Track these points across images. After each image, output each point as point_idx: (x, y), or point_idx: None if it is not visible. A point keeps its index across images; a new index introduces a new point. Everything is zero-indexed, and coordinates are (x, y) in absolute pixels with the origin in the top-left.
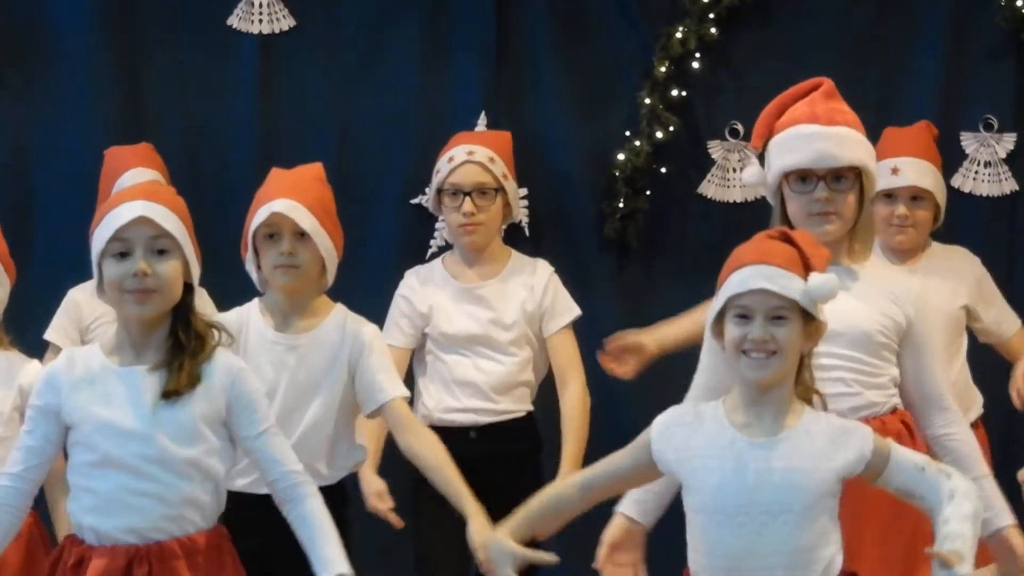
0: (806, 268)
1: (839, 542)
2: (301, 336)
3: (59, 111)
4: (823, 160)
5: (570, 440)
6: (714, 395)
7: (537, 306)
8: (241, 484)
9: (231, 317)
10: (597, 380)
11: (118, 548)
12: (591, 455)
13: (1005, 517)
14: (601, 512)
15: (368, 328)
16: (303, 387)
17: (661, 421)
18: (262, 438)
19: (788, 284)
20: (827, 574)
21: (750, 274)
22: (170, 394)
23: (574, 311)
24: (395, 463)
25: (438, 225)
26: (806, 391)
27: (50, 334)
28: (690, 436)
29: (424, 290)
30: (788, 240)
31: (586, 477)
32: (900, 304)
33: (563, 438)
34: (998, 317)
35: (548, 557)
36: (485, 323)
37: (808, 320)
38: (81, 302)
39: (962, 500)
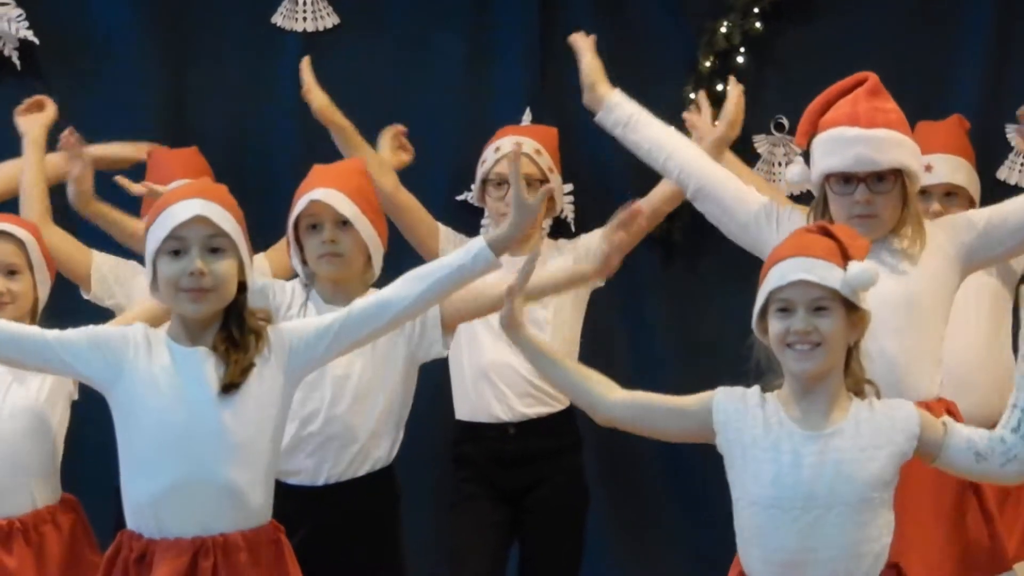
0: (845, 258)
1: (891, 532)
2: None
3: (105, 111)
4: (862, 164)
5: None
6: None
7: (576, 253)
8: (287, 478)
9: (289, 284)
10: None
11: (182, 541)
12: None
13: None
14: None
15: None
16: (368, 380)
17: (727, 393)
18: (330, 324)
19: (827, 274)
20: (876, 565)
21: (789, 267)
22: (229, 387)
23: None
24: (436, 458)
25: (484, 221)
26: (856, 383)
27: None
28: (752, 421)
29: None
30: (826, 233)
31: (634, 401)
32: (956, 234)
33: None
34: None
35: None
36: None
37: (851, 310)
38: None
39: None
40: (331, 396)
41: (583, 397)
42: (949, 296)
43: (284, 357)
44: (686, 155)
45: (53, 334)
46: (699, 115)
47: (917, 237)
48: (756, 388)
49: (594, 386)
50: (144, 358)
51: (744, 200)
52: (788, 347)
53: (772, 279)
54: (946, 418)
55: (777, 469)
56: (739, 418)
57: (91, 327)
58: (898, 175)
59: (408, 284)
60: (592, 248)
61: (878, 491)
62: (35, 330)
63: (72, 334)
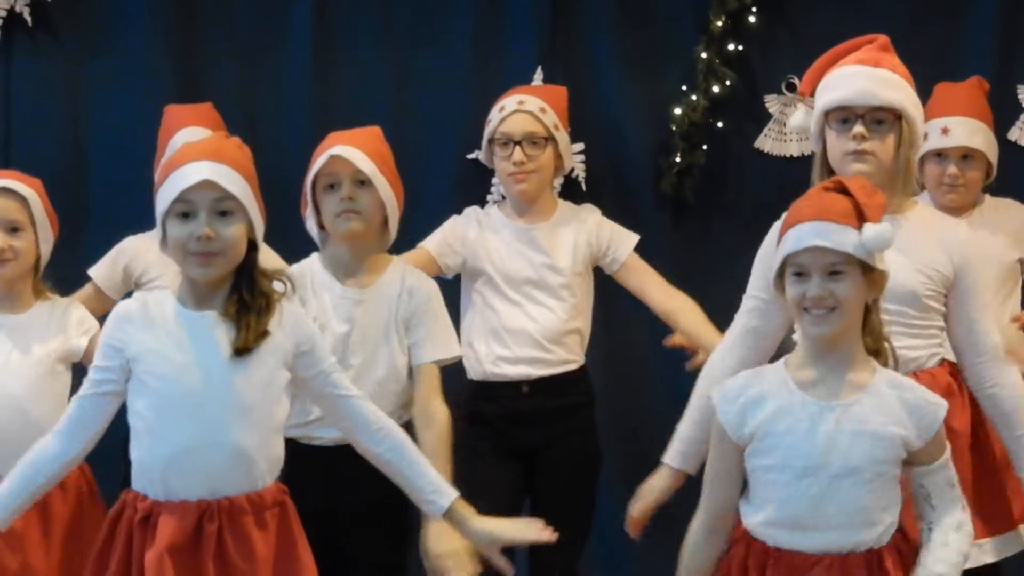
0: (861, 219)
1: (899, 507)
2: (366, 291)
3: (116, 73)
4: (862, 96)
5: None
6: (759, 336)
7: (596, 244)
8: (296, 434)
9: (294, 270)
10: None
11: (188, 504)
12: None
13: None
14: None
15: (428, 285)
16: (372, 341)
17: (723, 400)
18: (327, 377)
19: (842, 239)
20: (886, 534)
21: (805, 231)
22: (240, 351)
23: (634, 236)
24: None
25: (494, 180)
26: (875, 340)
27: (93, 271)
28: (757, 407)
29: (479, 227)
30: (843, 191)
31: (707, 518)
32: (947, 252)
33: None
34: None
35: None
36: (539, 267)
37: (868, 270)
38: (131, 251)
39: (966, 539)
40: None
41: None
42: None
43: (295, 351)
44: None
45: (90, 393)
46: None
47: (907, 193)
48: (749, 373)
49: (700, 552)
50: (147, 328)
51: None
52: (804, 311)
53: (788, 243)
54: (949, 453)
55: (792, 438)
56: (750, 406)
57: (96, 355)
58: (896, 119)
59: (380, 442)
60: (608, 244)
61: (892, 465)
62: (79, 411)
63: (99, 376)
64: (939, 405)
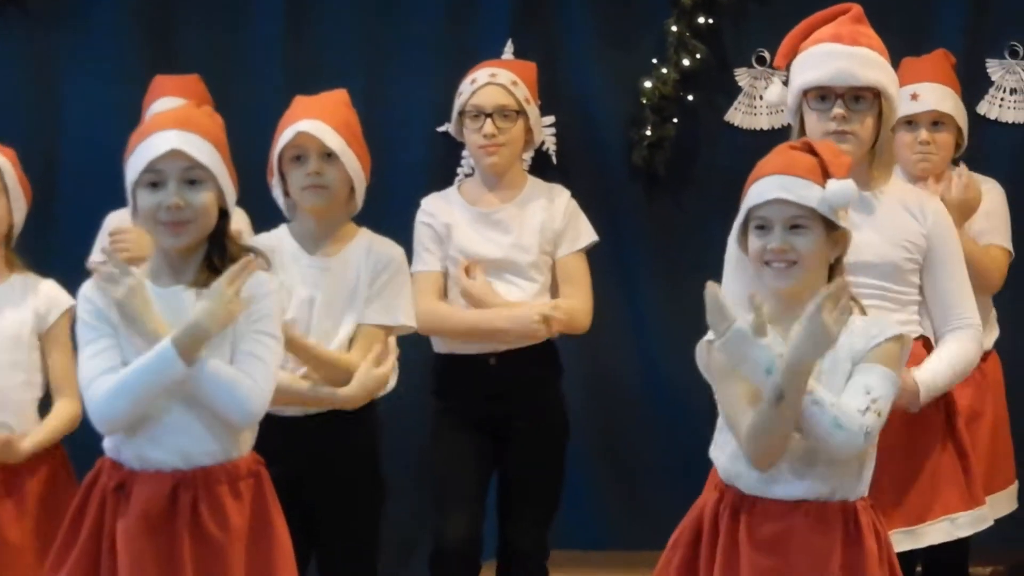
0: (826, 176)
1: (871, 464)
2: (332, 259)
3: (86, 45)
4: (842, 77)
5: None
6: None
7: (555, 229)
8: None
9: (263, 240)
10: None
11: (163, 473)
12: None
13: (920, 372)
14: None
15: (394, 249)
16: (336, 308)
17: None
18: (247, 336)
19: (805, 193)
20: (856, 487)
21: (768, 185)
22: None
23: (590, 237)
24: (416, 391)
25: (465, 153)
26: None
27: (96, 256)
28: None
29: (442, 213)
30: (810, 150)
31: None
32: (920, 220)
33: None
34: (982, 228)
35: None
36: (506, 247)
37: (831, 228)
38: (126, 223)
39: (835, 406)
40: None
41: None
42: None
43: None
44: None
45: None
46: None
47: (886, 169)
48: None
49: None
50: (112, 307)
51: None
52: (766, 264)
53: (751, 196)
54: (896, 378)
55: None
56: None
57: (83, 327)
58: (876, 97)
59: None
60: (561, 234)
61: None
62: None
63: (99, 346)
64: (884, 329)
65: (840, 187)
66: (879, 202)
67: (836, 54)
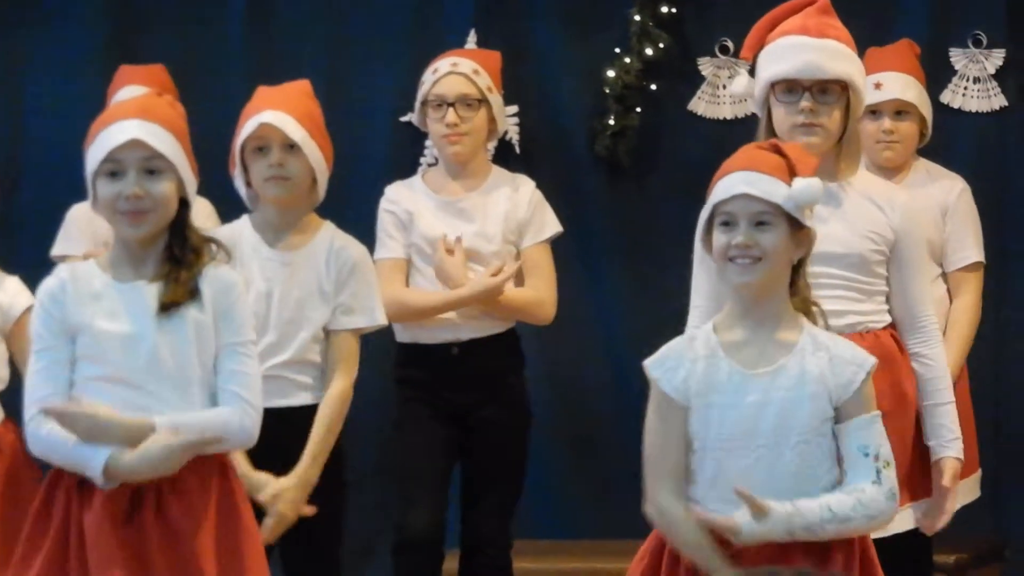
0: (792, 175)
1: (834, 473)
2: (293, 252)
3: (50, 39)
4: (809, 71)
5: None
6: (716, 304)
7: (520, 219)
8: None
9: (224, 231)
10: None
11: None
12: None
13: (951, 449)
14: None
15: (356, 249)
16: (296, 302)
17: (657, 366)
18: (232, 350)
19: (771, 189)
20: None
21: (734, 181)
22: (167, 306)
23: (554, 227)
24: (378, 381)
25: (428, 143)
26: (803, 302)
27: (59, 248)
28: (689, 374)
29: (405, 200)
30: (776, 150)
31: (674, 485)
32: (888, 214)
33: None
34: (953, 243)
35: None
36: (469, 236)
37: (796, 227)
38: (89, 215)
39: (853, 504)
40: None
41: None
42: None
43: (218, 304)
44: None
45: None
46: None
47: (854, 161)
48: (684, 338)
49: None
50: (74, 303)
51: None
52: (730, 261)
53: (717, 192)
54: (878, 415)
55: (720, 413)
56: (682, 371)
57: (36, 334)
58: (843, 89)
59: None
60: (527, 224)
61: (822, 427)
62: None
63: (44, 362)
64: (862, 364)
65: (806, 185)
66: (846, 194)
67: (803, 47)
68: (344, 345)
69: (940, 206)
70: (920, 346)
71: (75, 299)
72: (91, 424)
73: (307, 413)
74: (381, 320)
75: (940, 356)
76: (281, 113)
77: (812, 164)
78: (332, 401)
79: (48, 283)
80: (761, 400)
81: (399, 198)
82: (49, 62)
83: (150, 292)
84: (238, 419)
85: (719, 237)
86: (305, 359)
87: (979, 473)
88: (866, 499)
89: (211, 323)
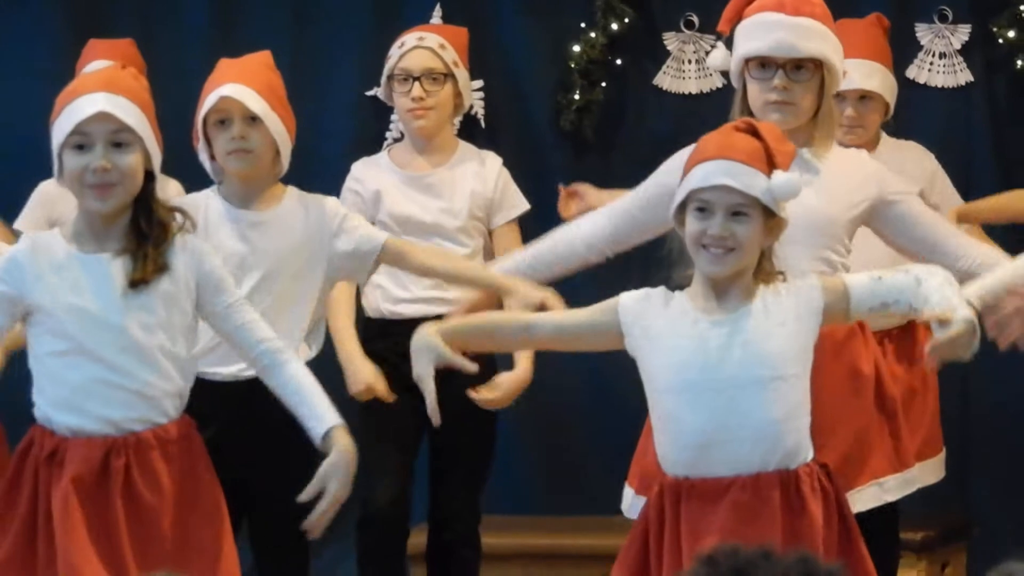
0: (770, 165)
1: (807, 419)
2: (263, 213)
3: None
4: (782, 49)
5: None
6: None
7: (488, 196)
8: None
9: (189, 200)
10: None
11: (94, 440)
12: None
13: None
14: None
15: (330, 201)
16: (271, 263)
17: (630, 295)
18: (231, 311)
19: (751, 181)
20: (796, 454)
21: (713, 169)
22: (137, 283)
23: (523, 206)
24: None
25: (393, 117)
26: (767, 278)
27: (20, 223)
28: (656, 317)
29: (371, 179)
30: (754, 133)
31: (536, 320)
32: (866, 184)
33: None
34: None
35: (469, 366)
36: (435, 211)
37: (769, 216)
38: (54, 195)
39: (929, 277)
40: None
41: (500, 342)
42: (855, 217)
43: (197, 282)
44: (577, 231)
45: None
46: None
47: (828, 136)
48: (660, 288)
49: (497, 327)
50: (38, 271)
51: (643, 203)
52: (703, 248)
53: (694, 178)
54: (844, 277)
55: (683, 355)
56: (644, 316)
57: None
58: (818, 67)
59: (267, 372)
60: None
61: (790, 367)
62: None
63: None
64: (809, 277)
65: (786, 180)
66: (820, 168)
67: (778, 24)
68: (396, 243)
69: (927, 170)
70: (972, 261)
71: (34, 274)
72: None
73: None
74: (383, 239)
75: (983, 249)
76: (241, 86)
77: (790, 153)
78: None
79: (10, 255)
80: (725, 344)
81: (364, 177)
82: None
83: (115, 266)
84: (298, 360)
85: (693, 223)
86: (280, 325)
87: (943, 454)
88: (925, 270)
89: (183, 293)
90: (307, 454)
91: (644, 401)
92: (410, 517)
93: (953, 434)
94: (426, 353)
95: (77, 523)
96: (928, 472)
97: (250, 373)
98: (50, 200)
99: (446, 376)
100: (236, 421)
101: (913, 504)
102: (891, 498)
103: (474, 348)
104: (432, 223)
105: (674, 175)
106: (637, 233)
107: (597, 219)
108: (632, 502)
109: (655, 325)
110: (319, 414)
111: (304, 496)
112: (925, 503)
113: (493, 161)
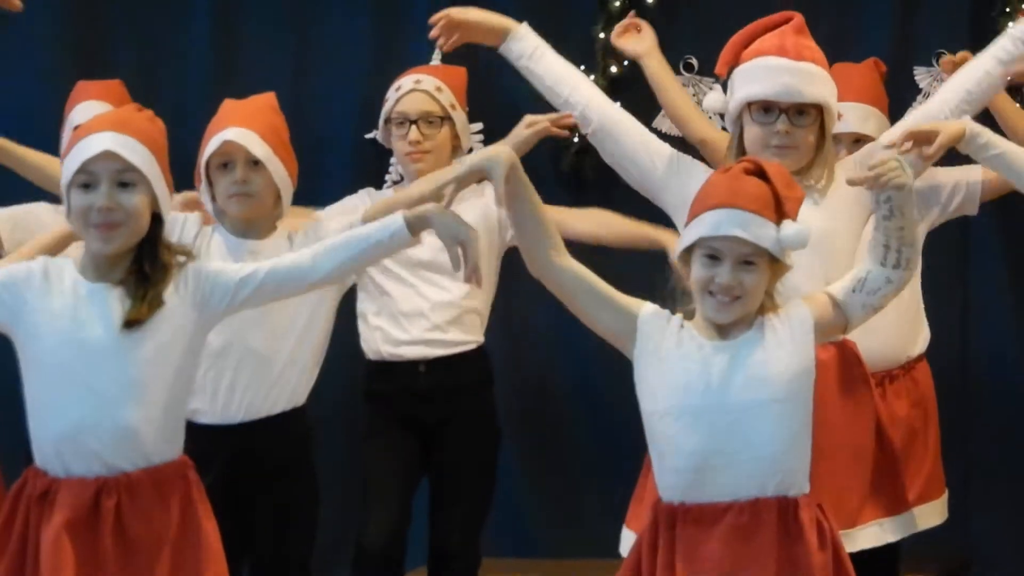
0: (779, 212)
1: (807, 453)
2: (261, 242)
3: (14, 48)
4: (788, 94)
5: None
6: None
7: (494, 218)
8: (199, 418)
9: (192, 217)
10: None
11: (85, 480)
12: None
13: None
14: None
15: (315, 213)
16: (288, 309)
17: (653, 308)
18: (250, 281)
19: (761, 232)
20: (794, 481)
21: (724, 218)
22: (132, 323)
23: None
24: (346, 399)
25: (393, 159)
26: (769, 309)
27: None
28: (668, 338)
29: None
30: (763, 176)
31: (577, 272)
32: (860, 195)
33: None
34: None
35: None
36: (435, 249)
37: (774, 261)
38: (42, 217)
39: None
40: (245, 326)
41: (532, 245)
42: (859, 234)
43: (201, 297)
44: (591, 91)
45: None
46: None
47: (828, 176)
48: (679, 315)
49: (549, 241)
50: (45, 295)
51: (648, 145)
52: (709, 294)
53: (705, 226)
54: (826, 289)
55: (687, 377)
56: (659, 333)
57: None
58: (818, 111)
59: (327, 255)
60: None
61: (789, 390)
62: None
63: None
64: (796, 302)
65: (796, 232)
66: (826, 204)
67: (782, 69)
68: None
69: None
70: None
71: (41, 294)
72: None
73: (279, 424)
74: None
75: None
76: (244, 130)
77: (799, 199)
78: None
79: (22, 269)
80: (728, 368)
81: (370, 201)
82: (11, 67)
83: (114, 295)
84: (288, 259)
85: (700, 270)
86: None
87: (945, 495)
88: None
89: (180, 332)
90: (308, 497)
91: (646, 443)
92: (406, 555)
93: (954, 472)
94: (501, 166)
95: (66, 563)
96: (930, 515)
97: (251, 417)
98: (36, 217)
99: (446, 417)
100: (237, 464)
101: (913, 542)
102: (891, 539)
103: (512, 202)
104: (429, 260)
105: (684, 183)
106: (628, 154)
107: (619, 113)
108: (631, 545)
109: (665, 345)
110: (382, 225)
111: (464, 276)
112: (924, 541)
113: (489, 187)
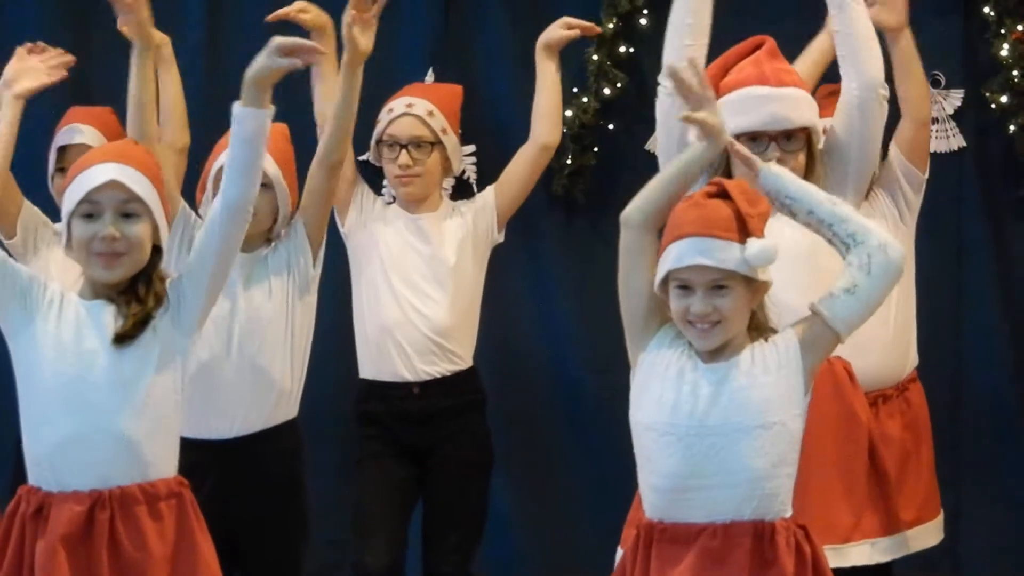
0: (743, 231)
1: (790, 482)
2: (248, 256)
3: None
4: (777, 122)
5: None
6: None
7: (472, 214)
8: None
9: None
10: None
11: (79, 494)
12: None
13: None
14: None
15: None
16: (258, 301)
17: (670, 325)
18: (207, 236)
19: (725, 256)
20: (773, 506)
21: (687, 248)
22: (122, 338)
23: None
24: (339, 418)
25: (385, 181)
26: (760, 333)
27: None
28: (669, 352)
29: (379, 206)
30: (725, 195)
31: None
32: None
33: None
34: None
35: None
36: (427, 256)
37: (751, 280)
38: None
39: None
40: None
41: (670, 204)
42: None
43: (178, 307)
44: None
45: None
46: None
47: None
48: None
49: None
50: (55, 315)
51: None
52: (689, 324)
53: (670, 258)
54: (810, 304)
55: (676, 397)
56: (666, 345)
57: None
58: (806, 133)
59: (230, 178)
60: (488, 202)
61: (774, 415)
62: None
63: (15, 263)
64: (786, 330)
65: (760, 249)
66: None
67: (767, 98)
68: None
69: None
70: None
71: (47, 304)
72: None
73: (269, 443)
74: None
75: None
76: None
77: (764, 214)
78: None
79: (54, 284)
80: (715, 391)
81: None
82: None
83: (108, 312)
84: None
85: (676, 301)
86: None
87: (941, 515)
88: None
89: (168, 346)
90: (297, 515)
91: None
92: None
93: (945, 493)
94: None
95: (60, 573)
96: (926, 535)
97: (244, 432)
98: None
99: (439, 440)
100: (229, 479)
101: (901, 562)
102: (882, 559)
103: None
104: (425, 269)
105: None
106: None
107: None
108: None
109: (665, 359)
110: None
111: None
112: (914, 561)
113: (463, 201)
